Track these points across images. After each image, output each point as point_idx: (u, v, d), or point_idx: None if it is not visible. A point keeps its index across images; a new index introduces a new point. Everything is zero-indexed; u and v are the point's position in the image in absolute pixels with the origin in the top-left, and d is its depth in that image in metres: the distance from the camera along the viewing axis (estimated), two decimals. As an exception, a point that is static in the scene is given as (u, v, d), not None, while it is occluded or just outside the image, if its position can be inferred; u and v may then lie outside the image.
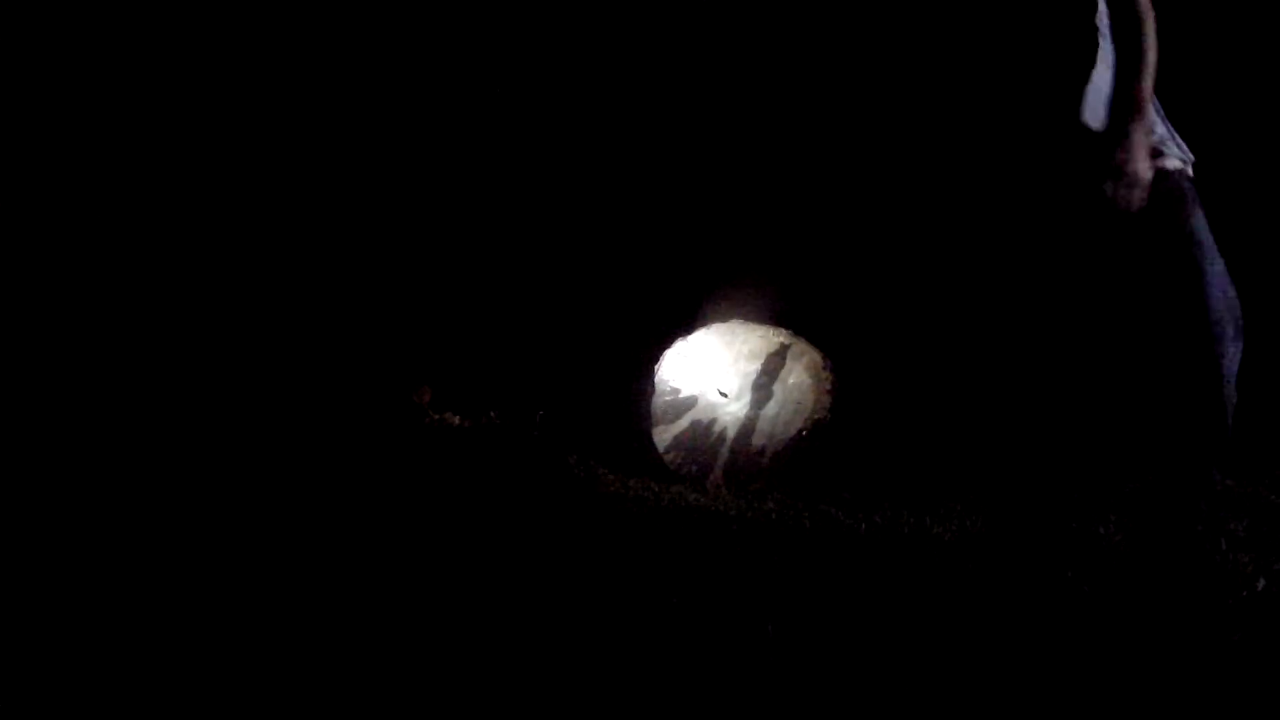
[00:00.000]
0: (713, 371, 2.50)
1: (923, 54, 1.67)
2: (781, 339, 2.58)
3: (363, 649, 1.37)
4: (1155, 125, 1.44)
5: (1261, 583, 1.48)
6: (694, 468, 2.51)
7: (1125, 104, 1.38)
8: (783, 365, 2.60)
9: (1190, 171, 1.45)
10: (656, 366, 2.41)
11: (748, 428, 2.59)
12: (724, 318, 2.53)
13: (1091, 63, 1.40)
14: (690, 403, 2.49)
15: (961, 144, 1.68)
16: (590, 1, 1.48)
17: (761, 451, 2.60)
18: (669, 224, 1.61)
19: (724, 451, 2.54)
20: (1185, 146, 1.45)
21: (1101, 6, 1.43)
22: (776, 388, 2.60)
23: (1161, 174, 1.42)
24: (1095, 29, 1.41)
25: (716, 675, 1.32)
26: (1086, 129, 1.40)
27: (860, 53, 1.62)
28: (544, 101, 1.49)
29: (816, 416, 2.56)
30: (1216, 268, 1.41)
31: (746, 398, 2.54)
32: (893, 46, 1.66)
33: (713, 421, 2.52)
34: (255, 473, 1.47)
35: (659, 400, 2.42)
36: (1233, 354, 1.42)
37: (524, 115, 1.49)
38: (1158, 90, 1.43)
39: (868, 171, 1.75)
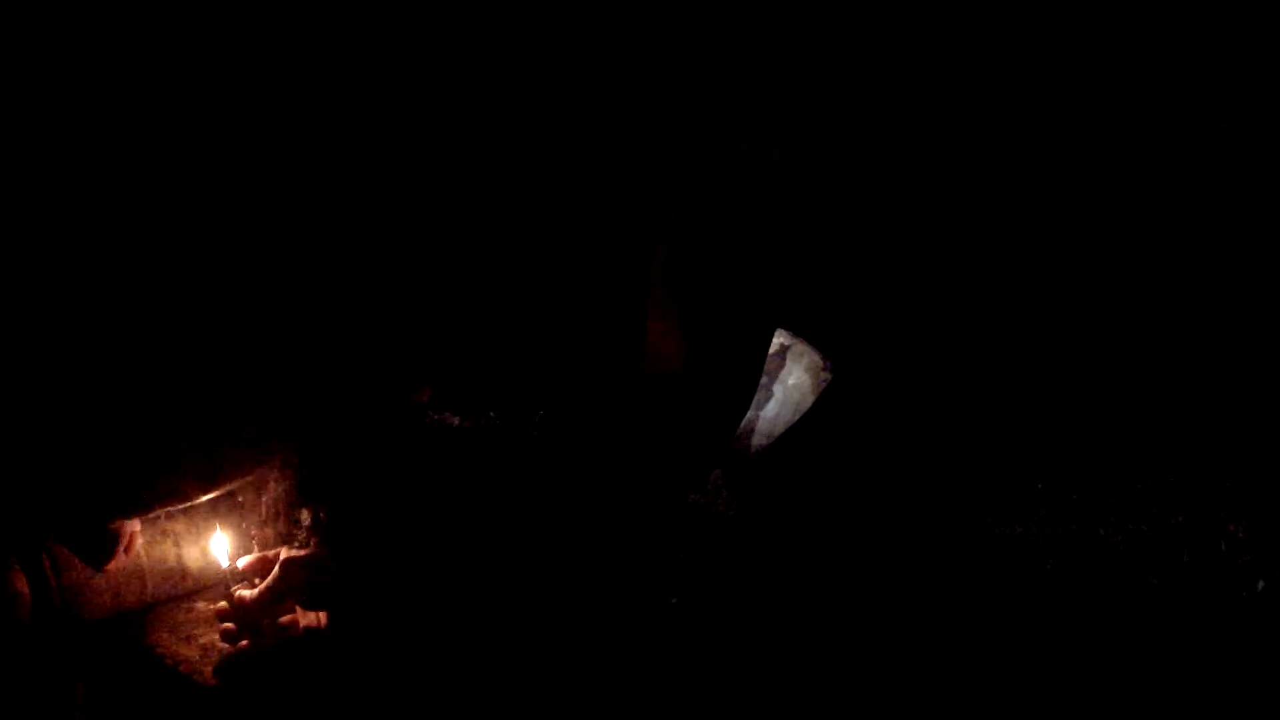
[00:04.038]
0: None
1: (921, 54, 1.67)
2: (781, 339, 2.57)
3: (361, 645, 1.37)
4: None
5: (1261, 583, 1.48)
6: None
7: None
8: (783, 365, 2.59)
9: None
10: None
11: (747, 428, 2.58)
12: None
13: None
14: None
15: (960, 144, 1.68)
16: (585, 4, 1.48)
17: (762, 452, 2.59)
18: (669, 222, 1.61)
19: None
20: None
21: None
22: (776, 388, 2.59)
23: None
24: None
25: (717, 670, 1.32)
26: None
27: (859, 52, 1.62)
28: (542, 101, 1.49)
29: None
30: None
31: (746, 398, 2.53)
32: (892, 46, 1.66)
33: (713, 422, 2.51)
34: (253, 472, 1.47)
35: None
36: None
37: (523, 115, 1.49)
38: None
39: (866, 171, 1.75)
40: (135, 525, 1.42)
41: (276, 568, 1.35)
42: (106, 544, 1.37)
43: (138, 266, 1.32)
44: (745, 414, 1.93)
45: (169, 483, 1.35)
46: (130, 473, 1.31)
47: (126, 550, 1.41)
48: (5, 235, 1.26)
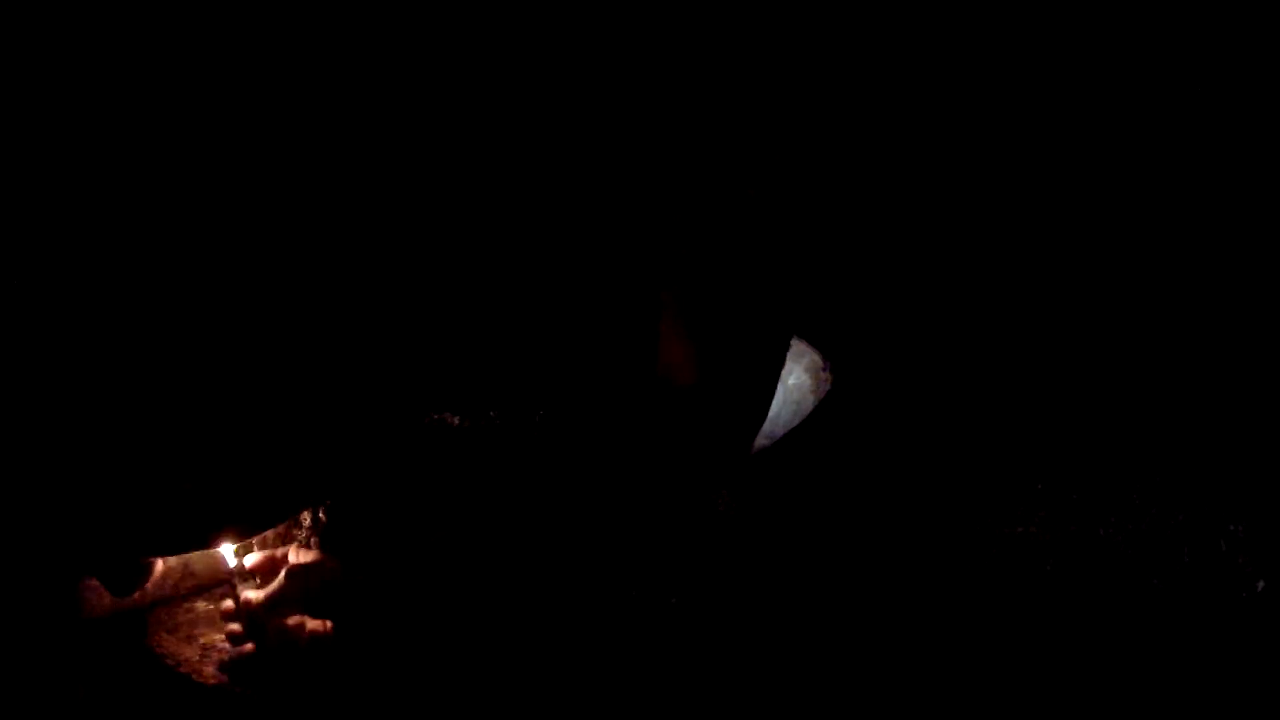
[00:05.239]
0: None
1: (920, 54, 1.67)
2: (781, 339, 2.56)
3: (361, 646, 1.37)
4: None
5: (1261, 583, 1.48)
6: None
7: None
8: (783, 365, 2.58)
9: None
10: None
11: (747, 428, 2.57)
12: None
13: None
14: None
15: (960, 144, 1.67)
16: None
17: (762, 452, 2.58)
18: (668, 222, 1.61)
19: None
20: None
21: None
22: (777, 388, 2.59)
23: None
24: None
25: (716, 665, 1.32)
26: None
27: (857, 51, 1.62)
28: (538, 102, 1.49)
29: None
30: None
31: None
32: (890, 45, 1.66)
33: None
34: (250, 473, 1.47)
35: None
36: None
37: (520, 115, 1.49)
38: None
39: (867, 170, 1.75)
40: (159, 563, 1.42)
41: (283, 574, 1.36)
42: (136, 576, 1.37)
43: (155, 288, 1.32)
44: (759, 427, 1.92)
45: (209, 528, 1.35)
46: (173, 513, 1.31)
47: (149, 583, 1.41)
48: (35, 265, 1.26)
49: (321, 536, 1.52)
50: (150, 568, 1.39)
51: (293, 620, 1.35)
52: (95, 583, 1.42)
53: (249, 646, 1.35)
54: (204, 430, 1.32)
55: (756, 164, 1.56)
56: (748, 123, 1.56)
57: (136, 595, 1.48)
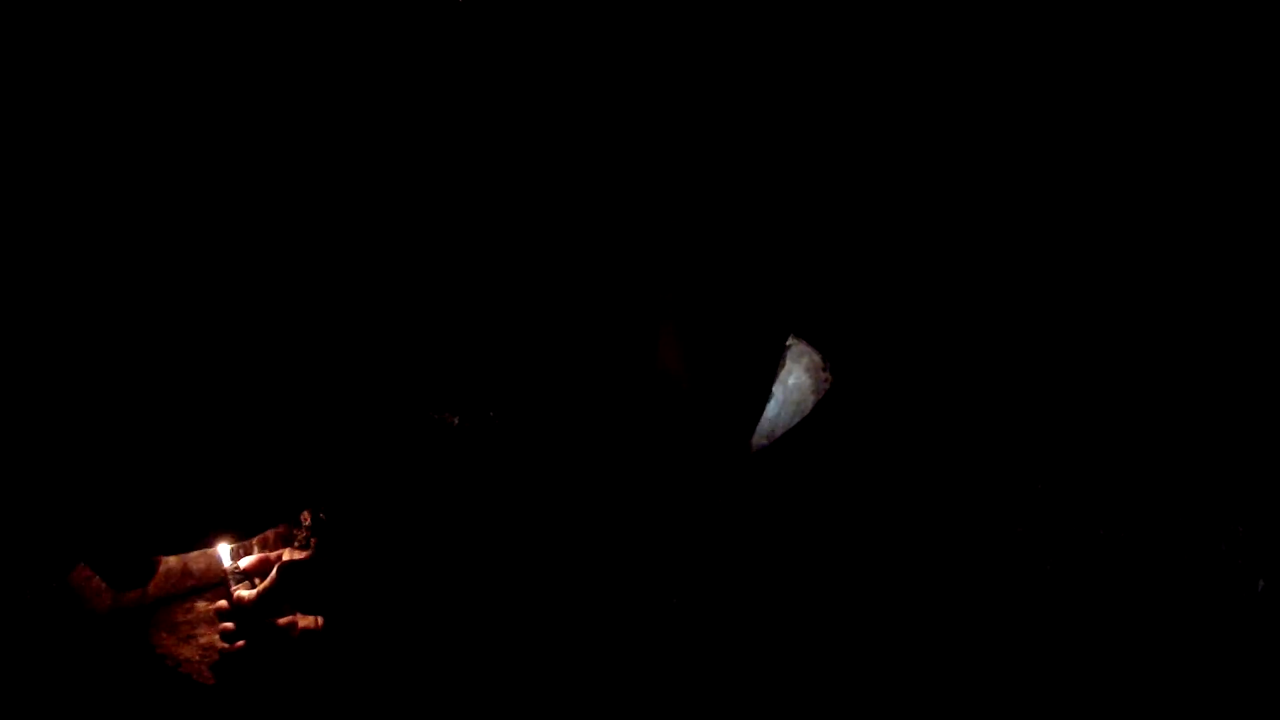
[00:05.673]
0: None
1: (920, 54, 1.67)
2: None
3: (363, 644, 1.37)
4: None
5: (1261, 583, 1.48)
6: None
7: None
8: (783, 365, 2.58)
9: None
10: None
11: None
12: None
13: None
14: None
15: (960, 143, 1.67)
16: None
17: (761, 452, 2.58)
18: (667, 223, 1.61)
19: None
20: None
21: None
22: (776, 388, 2.59)
23: None
24: None
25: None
26: None
27: (856, 50, 1.62)
28: (542, 107, 1.49)
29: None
30: None
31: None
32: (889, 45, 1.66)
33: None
34: (248, 474, 1.47)
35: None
36: None
37: (525, 120, 1.49)
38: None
39: (866, 170, 1.75)
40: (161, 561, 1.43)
41: (275, 571, 1.36)
42: (140, 573, 1.38)
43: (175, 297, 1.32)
44: (754, 428, 1.92)
45: (209, 527, 1.36)
46: (173, 512, 1.31)
47: (149, 582, 1.42)
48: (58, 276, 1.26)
49: (320, 536, 1.53)
50: (155, 565, 1.39)
51: (284, 619, 1.36)
52: (96, 582, 1.43)
53: (240, 644, 1.36)
54: (205, 430, 1.32)
55: (759, 166, 1.56)
56: (748, 126, 1.56)
57: (137, 594, 1.48)
